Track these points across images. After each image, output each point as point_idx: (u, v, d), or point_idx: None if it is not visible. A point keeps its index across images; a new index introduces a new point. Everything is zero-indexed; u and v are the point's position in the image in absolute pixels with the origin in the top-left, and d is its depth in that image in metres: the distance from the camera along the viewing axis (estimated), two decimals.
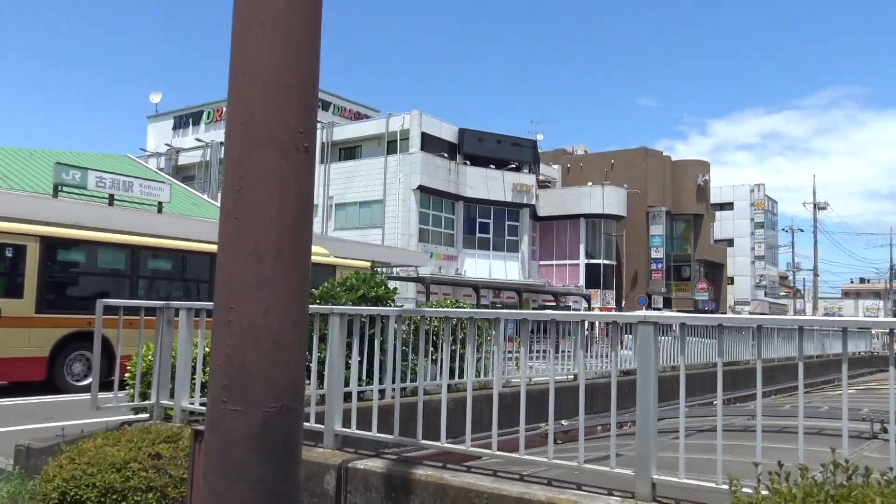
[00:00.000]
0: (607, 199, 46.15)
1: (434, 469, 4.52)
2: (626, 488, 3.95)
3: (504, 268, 43.19)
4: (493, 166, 42.45)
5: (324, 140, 42.03)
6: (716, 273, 56.24)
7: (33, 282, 13.53)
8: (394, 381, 4.92)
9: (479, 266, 42.27)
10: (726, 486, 3.14)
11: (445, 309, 4.89)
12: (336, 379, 5.13)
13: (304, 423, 5.34)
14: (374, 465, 4.68)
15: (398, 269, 36.45)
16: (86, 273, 15.02)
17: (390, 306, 8.35)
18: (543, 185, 48.28)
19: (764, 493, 2.45)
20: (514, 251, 43.99)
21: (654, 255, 49.15)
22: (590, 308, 41.42)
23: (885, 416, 8.84)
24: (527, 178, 43.75)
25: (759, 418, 3.71)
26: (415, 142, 39.44)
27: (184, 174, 47.24)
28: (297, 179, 2.33)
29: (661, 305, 49.34)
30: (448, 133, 41.82)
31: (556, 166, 52.14)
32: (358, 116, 47.33)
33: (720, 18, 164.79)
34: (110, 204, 22.64)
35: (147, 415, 6.14)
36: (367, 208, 40.72)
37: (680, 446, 3.83)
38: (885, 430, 8.06)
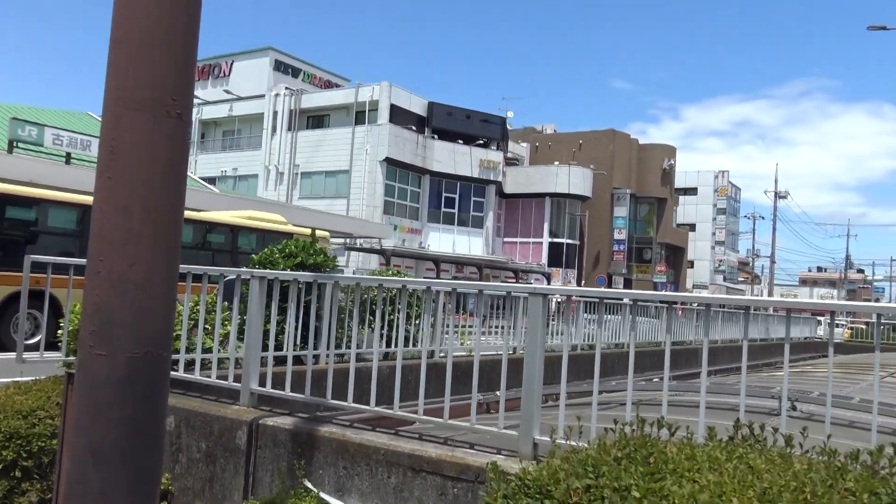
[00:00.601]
0: (573, 179, 46.55)
1: (338, 427, 4.74)
2: (514, 448, 4.21)
3: (468, 243, 43.48)
4: (461, 141, 42.55)
5: (291, 107, 41.73)
6: (677, 256, 57.15)
7: None
8: (304, 347, 5.12)
9: (443, 240, 42.51)
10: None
11: (357, 276, 5.09)
12: (253, 340, 5.31)
13: (224, 382, 5.55)
14: (284, 422, 4.89)
15: (361, 240, 36.54)
16: (36, 231, 14.93)
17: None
18: (511, 162, 48.53)
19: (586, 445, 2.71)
20: (479, 227, 44.28)
21: (616, 236, 49.81)
22: (549, 286, 41.94)
23: (797, 395, 9.28)
24: (494, 155, 43.93)
25: (630, 394, 3.98)
26: (383, 113, 39.35)
27: None
28: (167, 143, 2.49)
29: (621, 286, 50.08)
30: (417, 106, 41.76)
31: (524, 144, 52.38)
32: (328, 85, 46.98)
33: (697, 4, 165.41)
34: (67, 162, 22.39)
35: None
36: (333, 178, 40.63)
37: (560, 414, 4.09)
38: (794, 408, 8.48)
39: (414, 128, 40.87)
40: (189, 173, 31.57)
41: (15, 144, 21.40)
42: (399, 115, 40.17)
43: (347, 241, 36.21)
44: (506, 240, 48.04)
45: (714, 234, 64.04)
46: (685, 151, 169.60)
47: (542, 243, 47.18)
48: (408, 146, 40.08)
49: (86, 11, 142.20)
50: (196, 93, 38.56)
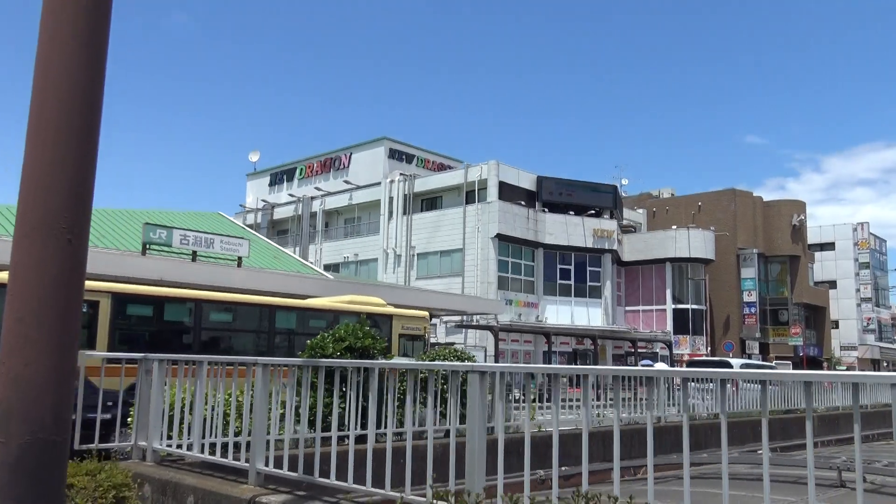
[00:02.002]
0: (693, 242, 45.22)
1: None
2: None
3: (587, 314, 42.87)
4: (572, 213, 42.57)
5: (406, 192, 43.45)
6: (818, 316, 53.59)
7: (105, 335, 14.89)
8: (296, 430, 5.48)
9: (561, 312, 42.16)
10: None
11: (350, 360, 5.42)
12: (259, 423, 5.74)
13: (235, 462, 5.98)
14: (277, 499, 5.24)
15: (478, 316, 36.99)
16: (151, 326, 16.34)
17: (376, 358, 8.93)
18: (627, 229, 47.87)
19: None
20: (597, 297, 43.62)
21: (746, 298, 47.51)
22: (671, 354, 40.40)
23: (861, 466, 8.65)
24: (608, 224, 43.57)
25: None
26: (492, 191, 40.21)
27: (279, 228, 49.83)
28: (57, 263, 2.99)
29: (756, 350, 47.45)
30: (526, 181, 42.39)
31: (640, 210, 51.59)
32: (440, 167, 48.62)
33: (829, 47, 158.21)
34: (193, 260, 24.41)
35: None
36: (448, 257, 41.58)
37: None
38: (864, 480, 7.93)
39: (524, 203, 41.37)
40: (309, 262, 33.27)
41: (147, 247, 23.62)
42: (508, 191, 40.89)
43: (463, 318, 36.77)
44: (627, 308, 46.97)
45: (859, 290, 59.58)
46: (830, 204, 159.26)
47: (665, 310, 45.74)
48: (518, 221, 40.57)
49: (222, 129, 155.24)
50: (318, 185, 41.24)
